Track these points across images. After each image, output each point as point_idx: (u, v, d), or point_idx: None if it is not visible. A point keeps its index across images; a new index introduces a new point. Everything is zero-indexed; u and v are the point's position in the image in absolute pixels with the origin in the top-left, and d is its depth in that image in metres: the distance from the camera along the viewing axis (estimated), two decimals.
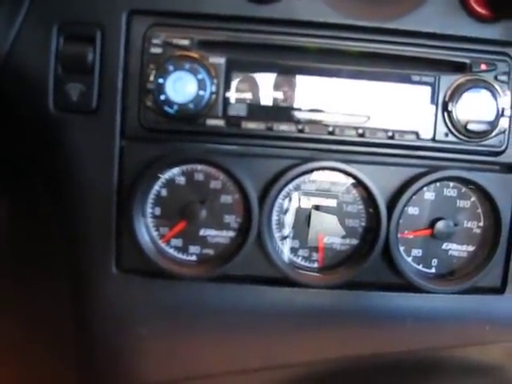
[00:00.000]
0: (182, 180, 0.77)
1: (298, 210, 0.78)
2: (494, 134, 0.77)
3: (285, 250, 0.79)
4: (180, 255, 0.79)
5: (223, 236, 0.78)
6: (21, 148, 0.85)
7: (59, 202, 0.81)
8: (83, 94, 0.74)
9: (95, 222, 0.77)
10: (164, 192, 0.77)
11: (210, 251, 0.79)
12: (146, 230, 0.77)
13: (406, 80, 0.75)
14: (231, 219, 0.78)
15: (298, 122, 0.75)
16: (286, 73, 0.74)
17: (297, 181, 0.77)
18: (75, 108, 0.74)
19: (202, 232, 0.78)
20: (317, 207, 0.78)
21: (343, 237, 0.79)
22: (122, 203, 0.76)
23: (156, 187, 0.77)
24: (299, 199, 0.78)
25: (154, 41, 0.74)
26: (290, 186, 0.77)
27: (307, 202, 0.78)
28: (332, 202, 0.78)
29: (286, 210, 0.78)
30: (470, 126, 0.76)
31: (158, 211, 0.77)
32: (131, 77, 0.74)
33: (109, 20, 0.74)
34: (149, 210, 0.77)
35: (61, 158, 0.77)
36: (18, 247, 1.02)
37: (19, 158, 0.87)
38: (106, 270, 0.78)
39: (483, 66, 0.76)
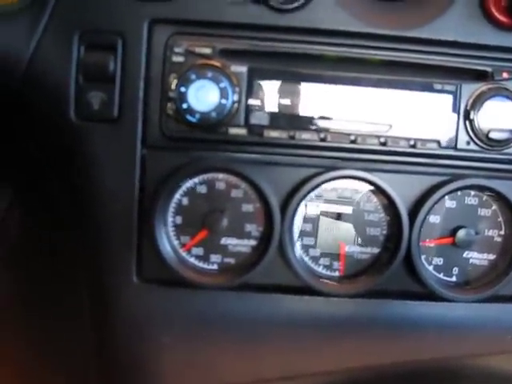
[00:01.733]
0: (203, 189, 0.77)
1: (320, 219, 0.79)
2: None
3: (306, 258, 0.79)
4: (201, 264, 0.79)
5: (244, 245, 0.79)
6: (41, 155, 0.85)
7: (80, 210, 0.81)
8: (104, 102, 0.74)
9: (116, 231, 0.77)
10: (185, 201, 0.77)
11: (231, 260, 0.79)
12: (167, 238, 0.77)
13: (428, 88, 0.76)
14: (252, 228, 0.78)
15: (319, 130, 0.75)
16: (308, 81, 0.74)
17: (319, 189, 0.77)
18: (97, 117, 0.75)
19: (223, 241, 0.78)
20: (339, 216, 0.78)
21: (364, 245, 0.80)
22: (144, 212, 0.76)
23: (177, 196, 0.77)
24: (321, 208, 0.78)
25: (176, 49, 0.74)
26: (312, 195, 0.77)
27: (329, 211, 0.79)
28: (354, 211, 0.79)
29: (308, 219, 0.79)
30: (492, 135, 0.76)
31: (179, 220, 0.77)
32: (153, 85, 0.74)
33: (130, 28, 0.74)
34: (170, 219, 0.77)
35: (82, 166, 0.77)
36: (36, 256, 1.02)
37: (40, 166, 0.87)
38: (127, 279, 0.78)
39: (505, 75, 0.76)
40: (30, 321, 0.99)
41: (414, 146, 0.76)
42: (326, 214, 0.78)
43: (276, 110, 0.74)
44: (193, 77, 0.72)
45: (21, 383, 0.95)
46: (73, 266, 0.88)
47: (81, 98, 0.74)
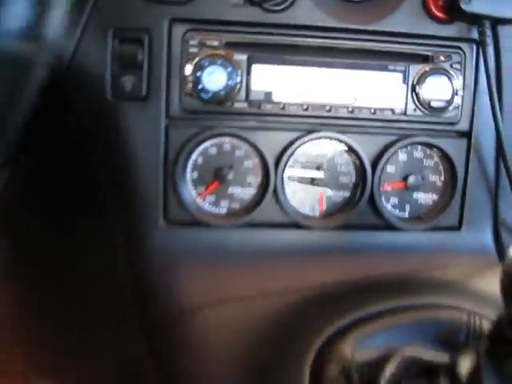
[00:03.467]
0: (213, 150, 0.93)
1: (305, 171, 0.97)
2: (450, 109, 0.94)
3: (294, 201, 0.98)
4: (213, 209, 0.95)
5: (246, 192, 0.94)
6: (80, 130, 0.99)
7: (115, 171, 0.96)
8: (135, 84, 0.87)
9: (147, 186, 0.91)
10: (200, 160, 0.93)
11: (237, 205, 0.94)
12: (187, 189, 0.92)
13: (384, 69, 0.92)
14: (252, 179, 0.93)
15: (303, 103, 0.94)
16: (294, 65, 0.92)
17: (303, 147, 0.96)
18: (129, 96, 0.88)
19: (230, 190, 0.93)
20: (318, 168, 0.97)
21: (338, 190, 0.98)
22: (168, 170, 0.92)
23: (194, 156, 0.93)
24: (306, 163, 0.97)
25: (191, 42, 0.89)
26: (299, 152, 0.96)
27: (312, 165, 0.97)
28: (330, 164, 0.97)
29: (296, 170, 0.97)
30: (433, 104, 0.94)
31: (195, 175, 0.93)
32: (173, 71, 0.90)
33: (154, 26, 0.88)
34: (188, 175, 0.93)
35: (117, 137, 0.91)
36: (75, 208, 1.16)
37: (77, 135, 1.02)
38: (156, 222, 0.92)
39: (442, 58, 0.93)
40: (69, 267, 1.12)
41: (374, 113, 0.93)
42: (310, 167, 0.96)
43: (270, 88, 0.93)
44: (205, 64, 0.88)
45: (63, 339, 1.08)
46: (108, 215, 1.01)
47: (115, 82, 0.87)
